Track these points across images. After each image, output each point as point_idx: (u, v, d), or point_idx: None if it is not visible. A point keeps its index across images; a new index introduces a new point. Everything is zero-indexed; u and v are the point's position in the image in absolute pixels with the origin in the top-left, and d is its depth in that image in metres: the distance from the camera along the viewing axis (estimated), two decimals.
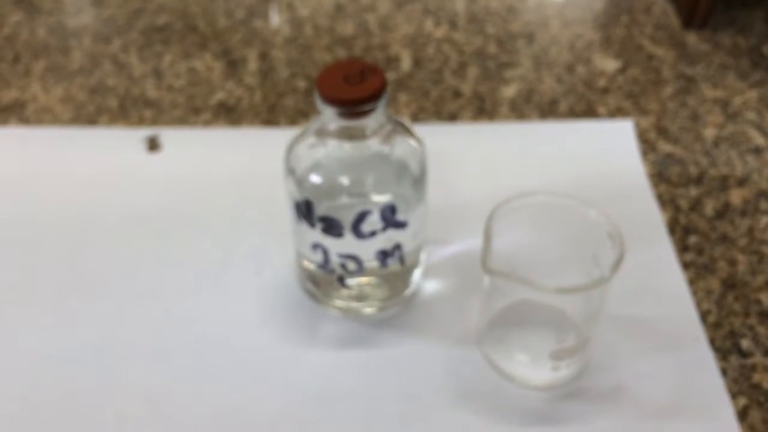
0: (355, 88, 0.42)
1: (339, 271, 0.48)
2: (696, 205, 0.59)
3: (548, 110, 0.67)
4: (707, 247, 0.55)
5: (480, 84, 0.70)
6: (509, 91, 0.69)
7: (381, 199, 0.46)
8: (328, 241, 0.47)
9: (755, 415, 0.46)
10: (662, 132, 0.65)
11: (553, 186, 0.58)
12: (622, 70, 0.72)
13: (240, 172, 0.61)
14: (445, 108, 0.68)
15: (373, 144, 0.45)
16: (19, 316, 0.52)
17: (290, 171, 0.46)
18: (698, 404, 0.46)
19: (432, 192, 0.50)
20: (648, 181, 0.60)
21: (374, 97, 0.42)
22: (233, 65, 0.73)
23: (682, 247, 0.55)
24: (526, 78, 0.71)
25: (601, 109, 0.67)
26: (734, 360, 0.49)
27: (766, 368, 0.48)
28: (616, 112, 0.67)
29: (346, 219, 0.45)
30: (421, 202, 0.48)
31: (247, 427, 0.45)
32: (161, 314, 0.51)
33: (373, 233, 0.46)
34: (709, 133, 0.65)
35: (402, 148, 0.46)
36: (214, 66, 0.73)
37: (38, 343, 0.50)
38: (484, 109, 0.68)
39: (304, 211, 0.46)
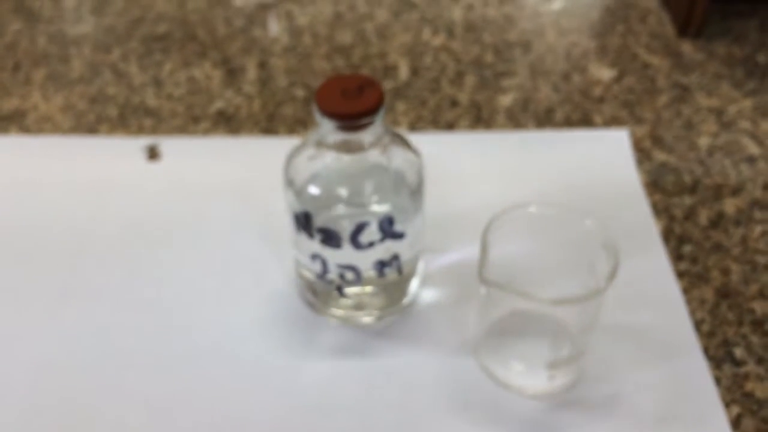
0: (353, 102, 0.43)
1: (337, 281, 0.49)
2: (690, 214, 0.59)
3: (544, 119, 0.68)
4: (701, 256, 0.56)
5: (477, 93, 0.71)
6: (506, 100, 0.70)
7: (379, 209, 0.46)
8: (327, 252, 0.47)
9: (748, 423, 0.46)
10: (657, 141, 0.66)
11: (548, 194, 0.59)
12: (618, 79, 0.72)
13: (239, 180, 0.62)
14: (443, 117, 0.68)
15: (371, 156, 0.46)
16: (19, 325, 0.52)
17: (289, 182, 0.47)
18: (692, 413, 0.46)
19: (429, 201, 0.50)
20: (643, 190, 0.61)
21: (372, 110, 0.43)
22: (232, 74, 0.74)
23: (676, 256, 0.56)
24: (523, 87, 0.71)
25: (597, 118, 0.68)
26: (728, 369, 0.49)
27: (759, 377, 0.49)
28: (611, 121, 0.68)
29: (345, 230, 0.46)
30: (418, 212, 0.48)
31: None
32: (160, 323, 0.52)
33: (371, 244, 0.46)
34: (704, 142, 0.66)
35: (399, 159, 0.47)
36: (213, 74, 0.74)
37: (37, 351, 0.50)
38: (481, 118, 0.68)
39: (303, 222, 0.46)
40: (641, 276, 0.53)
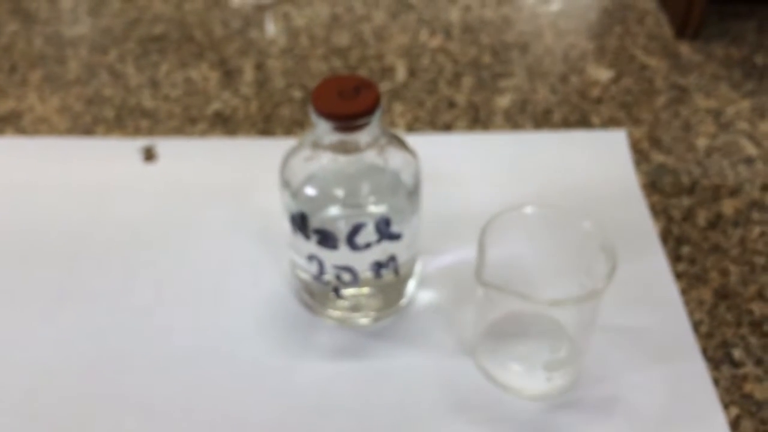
0: (349, 103, 0.42)
1: (334, 282, 0.49)
2: (688, 216, 0.59)
3: (542, 120, 0.68)
4: (700, 258, 0.56)
5: (474, 94, 0.71)
6: (504, 101, 0.70)
7: (376, 211, 0.46)
8: (324, 253, 0.47)
9: (747, 425, 0.46)
10: (655, 142, 0.65)
11: (546, 195, 0.59)
12: (616, 80, 0.72)
13: (236, 182, 0.61)
14: (440, 118, 0.68)
15: (368, 157, 0.45)
16: (15, 327, 0.52)
17: (285, 184, 0.47)
18: (691, 414, 0.46)
19: (426, 202, 0.50)
20: (641, 192, 0.60)
21: (368, 111, 0.42)
22: (229, 75, 0.73)
23: (674, 257, 0.56)
24: (521, 88, 0.71)
25: (595, 119, 0.68)
26: (726, 370, 0.49)
27: (758, 378, 0.49)
28: (609, 122, 0.68)
29: (341, 231, 0.46)
30: (415, 213, 0.48)
31: None
32: (157, 325, 0.52)
33: (367, 245, 0.46)
34: (702, 143, 0.66)
35: (396, 160, 0.47)
36: (210, 76, 0.73)
37: (34, 353, 0.50)
38: (478, 119, 0.68)
39: (299, 223, 0.46)
40: (639, 277, 0.53)
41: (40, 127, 0.68)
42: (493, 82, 0.72)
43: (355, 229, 0.45)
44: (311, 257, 0.48)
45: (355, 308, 0.51)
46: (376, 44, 0.77)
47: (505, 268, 0.48)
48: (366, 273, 0.48)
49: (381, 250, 0.47)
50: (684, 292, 0.53)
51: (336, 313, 0.51)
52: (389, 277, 0.49)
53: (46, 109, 0.70)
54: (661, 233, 0.57)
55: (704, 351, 0.50)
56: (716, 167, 0.63)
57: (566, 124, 0.67)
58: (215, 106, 0.70)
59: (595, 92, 0.71)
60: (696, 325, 0.51)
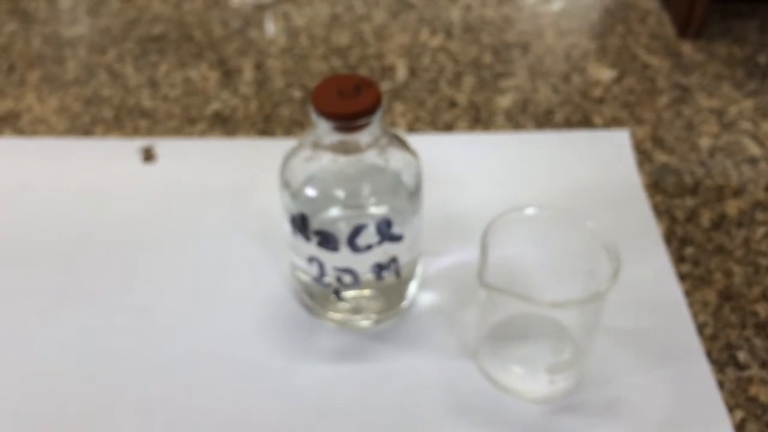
0: (349, 103, 0.42)
1: (335, 284, 0.48)
2: (692, 216, 0.59)
3: (544, 120, 0.67)
4: (703, 259, 0.55)
5: (475, 94, 0.70)
6: (505, 101, 0.69)
7: (377, 212, 0.45)
8: (324, 255, 0.46)
9: (752, 428, 0.46)
10: (658, 142, 0.65)
11: (548, 196, 0.58)
12: (618, 80, 0.72)
13: (236, 182, 0.61)
14: (441, 118, 0.68)
15: (369, 157, 0.45)
16: (13, 328, 0.51)
17: (285, 184, 0.46)
18: (695, 417, 0.46)
19: (427, 203, 0.50)
20: (644, 192, 0.60)
21: (369, 111, 0.42)
22: (229, 75, 0.73)
23: (678, 259, 0.55)
24: (522, 88, 0.71)
25: (597, 119, 0.67)
26: (731, 372, 0.49)
27: (763, 381, 0.48)
28: (611, 122, 0.67)
29: (342, 233, 0.45)
30: (416, 214, 0.48)
31: None
32: (156, 326, 0.51)
33: (368, 247, 0.46)
34: (705, 143, 0.65)
35: (397, 160, 0.46)
36: (209, 76, 0.73)
37: (32, 355, 0.50)
38: (479, 119, 0.68)
39: (300, 224, 0.46)
40: (643, 278, 0.52)
41: (38, 127, 0.68)
42: (495, 82, 0.72)
43: (356, 231, 0.45)
44: (311, 259, 0.47)
45: (356, 310, 0.50)
46: (377, 44, 0.76)
47: (508, 269, 0.48)
48: (367, 275, 0.48)
49: (382, 252, 0.47)
50: (688, 293, 0.53)
51: (337, 316, 0.51)
52: (390, 279, 0.49)
53: (44, 109, 0.70)
54: (664, 234, 0.57)
55: (709, 353, 0.49)
56: (720, 167, 0.63)
57: (568, 124, 0.67)
58: (214, 106, 0.70)
59: (597, 92, 0.70)
60: (700, 327, 0.51)
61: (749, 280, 0.54)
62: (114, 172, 0.63)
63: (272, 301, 0.53)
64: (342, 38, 0.77)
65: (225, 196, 0.60)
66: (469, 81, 0.72)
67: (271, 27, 0.79)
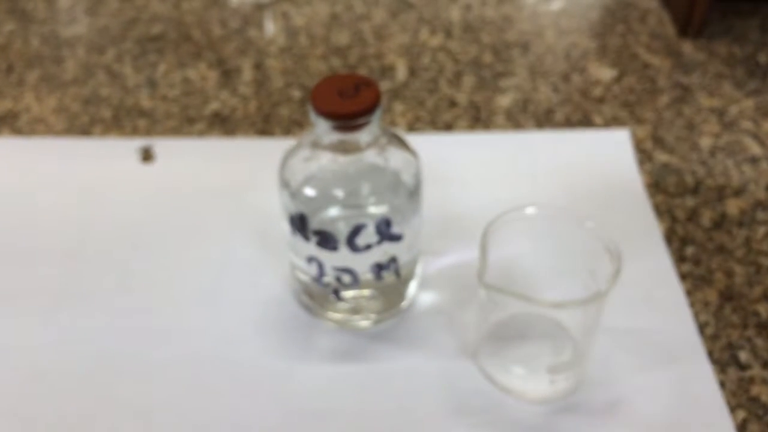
0: (349, 102, 0.42)
1: (334, 284, 0.48)
2: (693, 216, 0.58)
3: (544, 119, 0.67)
4: (704, 258, 0.55)
5: (475, 93, 0.70)
6: (505, 101, 0.69)
7: (376, 211, 0.45)
8: (323, 255, 0.46)
9: (754, 428, 0.46)
10: (658, 141, 0.65)
11: (548, 196, 0.58)
12: (618, 79, 0.71)
13: (235, 182, 0.61)
14: (441, 117, 0.68)
15: (368, 156, 0.45)
16: (11, 329, 0.51)
17: (285, 184, 0.46)
18: (697, 418, 0.46)
19: (427, 202, 0.50)
20: (645, 191, 0.60)
21: (368, 110, 0.42)
22: (228, 75, 0.73)
23: (679, 258, 0.55)
24: (522, 87, 0.71)
25: (597, 119, 0.67)
26: (732, 372, 0.48)
27: (764, 381, 0.48)
28: (612, 122, 0.67)
29: (341, 232, 0.45)
30: (416, 214, 0.48)
31: None
32: (154, 327, 0.51)
33: (368, 246, 0.46)
34: (706, 142, 0.65)
35: (397, 160, 0.46)
36: (208, 76, 0.73)
37: (30, 356, 0.49)
38: (479, 119, 0.67)
39: (299, 224, 0.46)
40: (644, 278, 0.52)
41: (36, 127, 0.67)
42: (495, 82, 0.71)
43: (356, 230, 0.45)
44: (311, 259, 0.47)
45: (356, 310, 0.50)
46: (376, 43, 0.76)
47: (508, 269, 0.47)
48: (366, 275, 0.47)
49: (382, 252, 0.46)
50: (689, 293, 0.53)
51: (336, 316, 0.50)
52: (390, 279, 0.49)
53: (42, 109, 0.69)
54: (665, 233, 0.57)
55: (710, 353, 0.49)
56: (720, 167, 0.62)
57: (568, 123, 0.67)
58: (213, 105, 0.69)
59: (598, 91, 0.70)
60: (701, 327, 0.51)
61: (750, 279, 0.54)
62: (112, 172, 0.62)
63: (271, 301, 0.52)
64: (341, 38, 0.77)
65: (224, 196, 0.60)
66: (469, 80, 0.72)
67: (271, 26, 0.79)
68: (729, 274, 0.54)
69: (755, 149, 0.64)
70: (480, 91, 0.70)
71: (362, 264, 0.47)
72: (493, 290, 0.42)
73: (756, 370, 0.48)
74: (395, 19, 0.79)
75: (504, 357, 0.48)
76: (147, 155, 0.64)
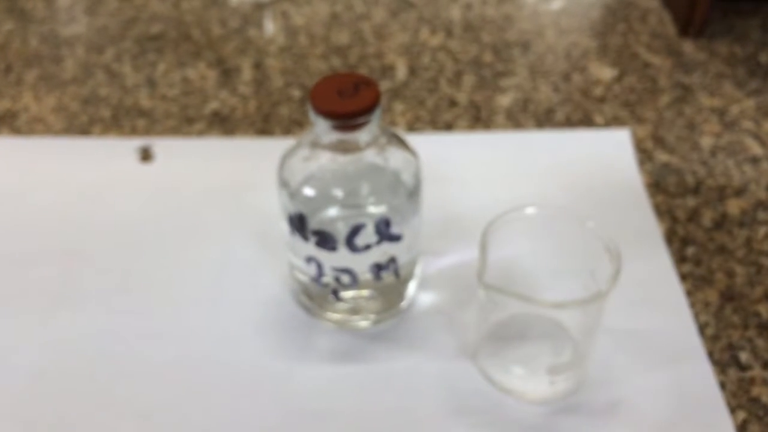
0: (348, 101, 0.41)
1: (333, 284, 0.48)
2: (693, 216, 0.58)
3: (544, 119, 0.67)
4: (705, 259, 0.55)
5: (476, 93, 0.70)
6: (505, 100, 0.69)
7: (375, 211, 0.45)
8: (322, 255, 0.46)
9: (755, 429, 0.45)
10: (659, 141, 0.65)
11: (549, 195, 0.58)
12: (619, 79, 0.71)
13: (234, 182, 0.61)
14: (441, 117, 0.67)
15: (368, 156, 0.45)
16: (10, 330, 0.51)
17: (284, 184, 0.46)
18: (697, 418, 0.45)
19: (427, 202, 0.49)
20: (645, 191, 0.60)
21: (368, 110, 0.42)
22: (227, 74, 0.73)
23: (679, 258, 0.55)
24: (522, 87, 0.70)
25: (598, 118, 0.67)
26: (733, 373, 0.48)
27: (765, 381, 0.48)
28: (612, 121, 0.67)
29: (340, 232, 0.45)
30: (415, 214, 0.47)
31: None
32: (153, 327, 0.51)
33: (367, 246, 0.45)
34: (706, 142, 0.65)
35: (396, 160, 0.46)
36: (208, 75, 0.72)
37: (29, 357, 0.49)
38: (479, 118, 0.67)
39: (298, 224, 0.45)
40: (644, 278, 0.52)
41: (35, 127, 0.67)
42: (495, 81, 0.71)
43: (355, 230, 0.45)
44: (310, 259, 0.47)
45: (355, 311, 0.50)
46: (376, 43, 0.76)
47: (508, 269, 0.47)
48: (365, 275, 0.47)
49: (381, 252, 0.46)
50: (689, 293, 0.53)
51: (335, 316, 0.50)
52: (389, 279, 0.48)
53: (41, 108, 0.69)
54: (665, 234, 0.57)
55: (710, 354, 0.49)
56: (721, 167, 0.62)
57: (569, 123, 0.67)
58: (213, 105, 0.69)
59: (598, 91, 0.70)
60: (702, 328, 0.50)
61: (751, 280, 0.54)
62: (111, 171, 0.62)
63: (270, 301, 0.52)
64: (341, 37, 0.77)
65: (223, 196, 0.60)
66: (469, 80, 0.71)
67: (270, 26, 0.79)
68: (729, 274, 0.54)
69: (756, 149, 0.64)
70: (480, 90, 0.70)
71: (361, 264, 0.47)
72: (492, 290, 0.42)
73: (756, 371, 0.48)
74: (395, 19, 0.79)
75: (504, 357, 0.48)
76: (146, 155, 0.64)
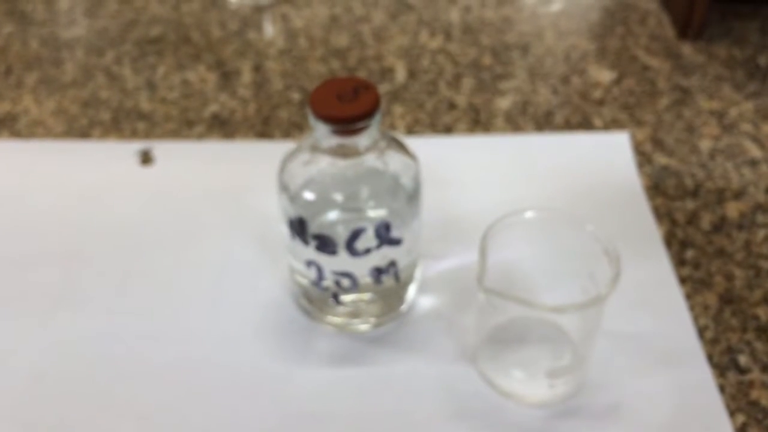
0: (348, 106, 0.42)
1: (333, 288, 0.48)
2: (692, 219, 0.58)
3: (544, 122, 0.67)
4: (704, 262, 0.55)
5: (475, 95, 0.70)
6: (504, 103, 0.69)
7: (375, 215, 0.45)
8: (322, 259, 0.46)
9: None
10: (658, 144, 0.65)
11: (548, 198, 0.58)
12: (618, 82, 0.71)
13: (234, 186, 0.61)
14: (440, 120, 0.68)
15: (368, 160, 0.45)
16: (10, 332, 0.51)
17: (284, 188, 0.46)
18: (696, 422, 0.46)
19: (427, 205, 0.49)
20: (644, 194, 0.60)
21: (368, 114, 0.42)
22: (227, 77, 0.73)
23: (678, 262, 0.55)
24: (522, 89, 0.70)
25: (597, 121, 0.67)
26: (732, 376, 0.48)
27: (764, 385, 0.48)
28: (611, 124, 0.67)
29: (340, 236, 0.45)
30: (415, 217, 0.47)
31: None
32: (153, 330, 0.51)
33: (367, 250, 0.46)
34: (705, 145, 0.65)
35: (396, 163, 0.46)
36: (207, 78, 0.73)
37: (28, 359, 0.49)
38: (479, 121, 0.67)
39: (298, 228, 0.45)
40: (643, 282, 0.52)
41: (35, 130, 0.67)
42: (494, 84, 0.71)
43: (355, 234, 0.45)
44: (310, 263, 0.47)
45: (355, 314, 0.50)
46: (376, 45, 0.76)
47: (507, 273, 0.47)
48: (365, 279, 0.47)
49: (381, 256, 0.46)
50: (688, 296, 0.53)
51: (335, 320, 0.50)
52: (389, 283, 0.48)
53: (41, 111, 0.69)
54: (664, 237, 0.57)
55: (709, 357, 0.49)
56: (720, 169, 0.62)
57: (568, 125, 0.67)
58: (213, 108, 0.69)
59: (597, 93, 0.70)
60: (701, 331, 0.51)
61: (750, 283, 0.54)
62: (112, 174, 0.62)
63: (270, 305, 0.52)
64: (341, 40, 0.77)
65: (223, 199, 0.60)
66: (468, 83, 0.71)
67: (270, 28, 0.79)
68: (728, 277, 0.54)
69: (755, 152, 0.64)
70: (479, 93, 0.70)
71: (361, 268, 0.47)
72: (492, 294, 0.42)
73: (755, 374, 0.48)
74: (394, 21, 0.79)
75: (503, 361, 0.48)
76: (146, 158, 0.64)
